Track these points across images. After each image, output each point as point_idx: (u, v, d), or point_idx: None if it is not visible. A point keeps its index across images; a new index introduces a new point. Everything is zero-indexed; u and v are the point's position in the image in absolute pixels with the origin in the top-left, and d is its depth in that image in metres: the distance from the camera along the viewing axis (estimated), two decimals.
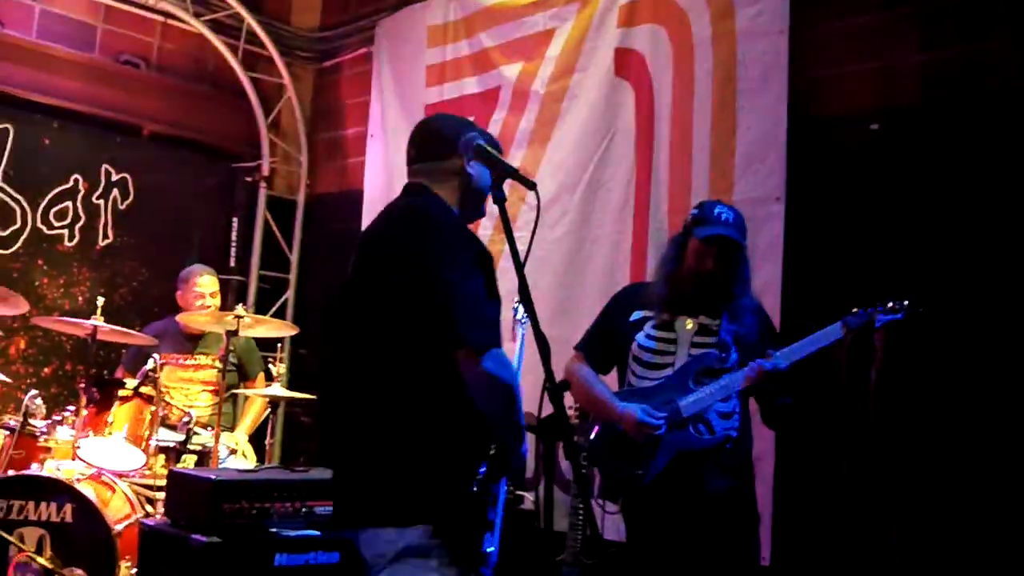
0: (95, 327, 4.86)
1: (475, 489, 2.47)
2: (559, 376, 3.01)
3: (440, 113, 2.94)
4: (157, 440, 4.79)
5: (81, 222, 6.64)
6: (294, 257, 7.58)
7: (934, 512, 4.04)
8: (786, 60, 4.74)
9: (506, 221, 2.52)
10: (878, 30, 4.56)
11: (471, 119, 2.98)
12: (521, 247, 2.48)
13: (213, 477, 3.53)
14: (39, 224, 6.44)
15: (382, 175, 6.91)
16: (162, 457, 4.85)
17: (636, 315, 3.60)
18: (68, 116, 6.62)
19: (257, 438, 5.65)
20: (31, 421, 4.77)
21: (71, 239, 6.59)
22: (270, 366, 5.43)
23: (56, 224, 6.53)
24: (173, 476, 3.84)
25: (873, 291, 4.27)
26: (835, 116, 4.66)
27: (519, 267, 2.45)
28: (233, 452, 5.27)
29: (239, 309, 4.93)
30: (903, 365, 4.09)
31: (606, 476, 3.66)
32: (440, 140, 2.74)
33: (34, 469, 4.51)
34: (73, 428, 4.68)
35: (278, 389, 5.12)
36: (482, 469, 2.50)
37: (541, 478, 5.00)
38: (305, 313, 7.35)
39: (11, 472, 4.47)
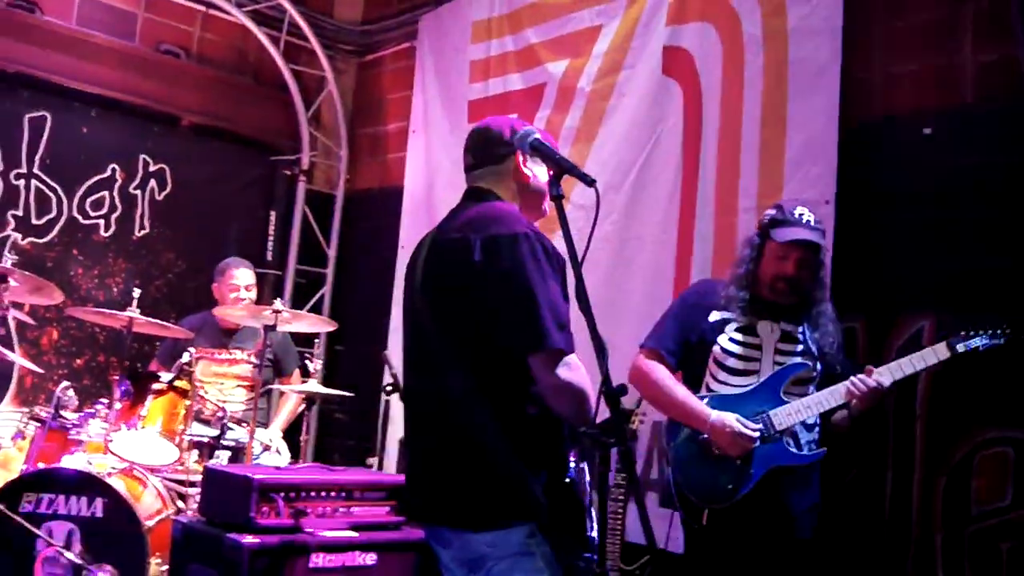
0: (131, 319, 4.80)
1: (569, 478, 2.52)
2: (623, 377, 2.93)
3: (491, 117, 2.90)
4: (191, 435, 4.74)
5: (117, 212, 6.59)
6: (332, 252, 7.51)
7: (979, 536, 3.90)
8: (839, 60, 4.60)
9: (563, 219, 2.46)
10: (934, 29, 4.41)
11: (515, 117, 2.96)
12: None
13: (251, 475, 3.44)
14: (75, 213, 6.40)
15: (423, 171, 6.82)
16: (195, 452, 4.80)
17: (715, 316, 3.46)
18: (106, 105, 6.57)
19: (291, 435, 5.58)
20: (63, 413, 4.72)
21: (107, 229, 6.55)
22: (306, 362, 5.36)
23: (92, 214, 6.49)
24: (209, 473, 3.76)
25: (923, 297, 4.17)
26: (888, 118, 4.53)
27: (576, 266, 2.39)
28: (267, 448, 5.20)
29: (276, 304, 4.85)
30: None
31: (688, 487, 3.43)
32: (495, 143, 2.75)
33: (65, 462, 4.46)
34: (106, 421, 4.61)
35: (314, 385, 5.06)
36: (571, 456, 2.56)
37: (591, 485, 4.85)
38: (342, 309, 7.27)
39: (41, 465, 4.42)
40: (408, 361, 2.74)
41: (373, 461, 6.09)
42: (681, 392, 3.41)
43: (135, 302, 4.86)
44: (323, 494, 3.58)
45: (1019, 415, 3.85)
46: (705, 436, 3.31)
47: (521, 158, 2.70)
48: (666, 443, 3.52)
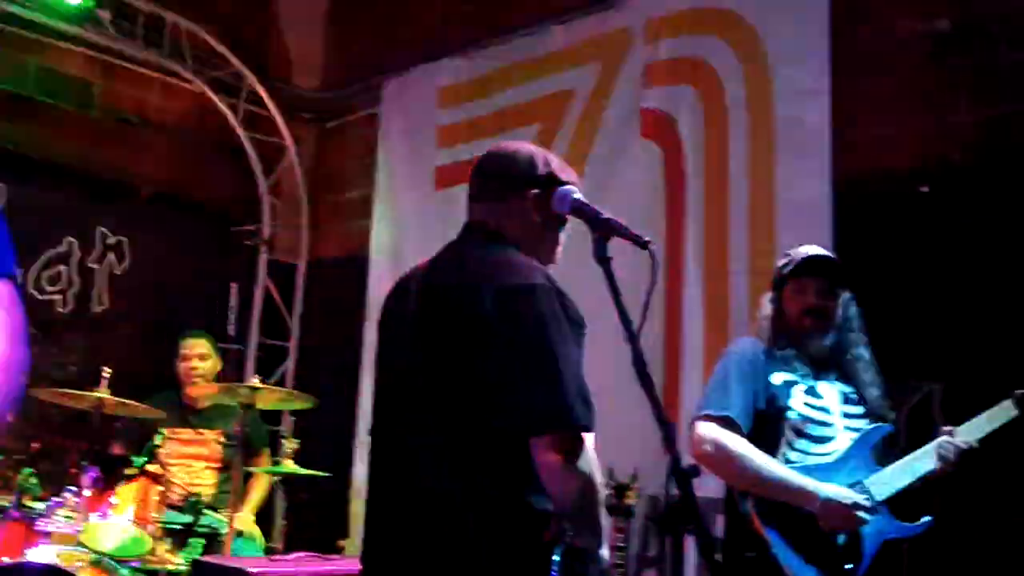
0: (101, 400, 4.54)
1: None
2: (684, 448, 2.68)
3: (511, 143, 2.56)
4: (163, 522, 4.47)
5: (75, 287, 6.32)
6: (295, 324, 7.28)
7: None
8: (828, 120, 4.58)
9: (613, 284, 2.17)
10: (926, 88, 4.42)
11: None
12: None
13: (249, 569, 3.20)
14: (31, 289, 6.11)
15: (389, 239, 6.67)
16: (168, 540, 4.52)
17: (779, 378, 3.18)
18: (63, 175, 6.32)
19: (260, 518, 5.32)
20: (26, 503, 4.42)
21: (65, 305, 6.27)
22: (282, 440, 5.12)
23: (49, 289, 6.21)
24: (199, 566, 3.51)
25: (926, 357, 4.09)
26: (882, 177, 4.49)
27: (633, 337, 2.10)
28: (240, 534, 4.93)
29: (255, 380, 4.63)
30: None
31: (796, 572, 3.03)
32: (517, 175, 2.41)
33: (30, 556, 4.14)
34: (74, 510, 4.32)
35: (290, 466, 4.81)
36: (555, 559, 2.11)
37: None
38: (306, 383, 7.02)
39: (5, 559, 4.11)
40: (380, 422, 2.39)
41: (344, 543, 5.84)
42: (775, 464, 3.06)
43: (104, 382, 4.60)
44: None
45: None
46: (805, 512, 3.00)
47: (545, 198, 2.36)
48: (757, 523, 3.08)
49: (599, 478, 2.15)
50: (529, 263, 2.27)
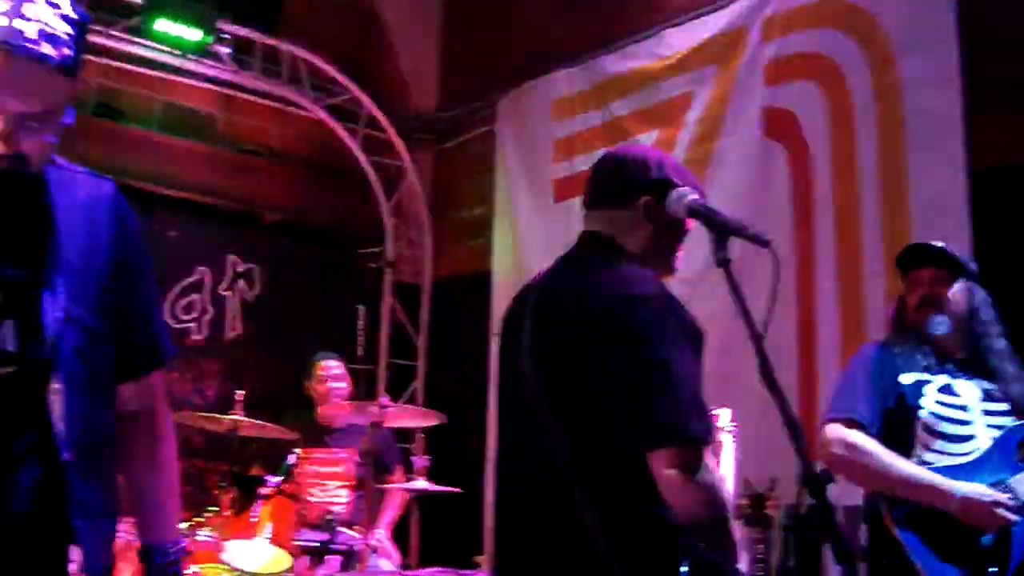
0: (236, 422, 4.65)
1: None
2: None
3: (625, 146, 2.48)
4: (301, 540, 4.54)
5: (209, 315, 6.52)
6: (421, 343, 7.34)
7: None
8: (960, 110, 4.39)
9: (735, 287, 2.08)
10: None
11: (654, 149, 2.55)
12: None
13: None
14: (167, 318, 6.32)
15: (510, 254, 6.68)
16: (306, 559, 4.60)
17: (908, 378, 3.07)
18: (192, 208, 6.56)
19: (395, 534, 5.36)
20: None
21: (199, 332, 6.47)
22: (412, 458, 5.15)
23: (183, 317, 6.41)
24: None
25: None
26: (1021, 166, 4.28)
27: (758, 343, 2.00)
28: (374, 551, 4.97)
29: (383, 399, 4.67)
30: None
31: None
32: (630, 180, 2.32)
33: None
34: (215, 530, 4.43)
35: (422, 483, 4.83)
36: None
37: None
38: (435, 401, 7.07)
39: None
40: (505, 436, 2.37)
41: (481, 559, 5.83)
42: (906, 463, 2.94)
43: (238, 405, 4.71)
44: None
45: None
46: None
47: (659, 203, 2.25)
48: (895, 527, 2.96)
49: (725, 490, 2.08)
50: (641, 273, 2.20)
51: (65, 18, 1.66)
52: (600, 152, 5.97)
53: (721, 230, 2.13)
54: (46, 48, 1.61)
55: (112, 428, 1.87)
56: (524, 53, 6.84)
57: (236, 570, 4.30)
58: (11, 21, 1.59)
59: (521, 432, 2.28)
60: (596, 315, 2.12)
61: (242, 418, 4.66)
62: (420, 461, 4.96)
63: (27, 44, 1.60)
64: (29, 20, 1.60)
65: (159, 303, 2.15)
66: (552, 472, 2.16)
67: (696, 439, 2.02)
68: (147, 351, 1.97)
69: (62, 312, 1.70)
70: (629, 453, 2.06)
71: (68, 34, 1.65)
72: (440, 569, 3.99)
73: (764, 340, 2.05)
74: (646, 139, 5.77)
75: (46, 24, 1.62)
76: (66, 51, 1.65)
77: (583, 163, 6.21)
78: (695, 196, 2.25)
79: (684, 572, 2.03)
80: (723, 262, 2.10)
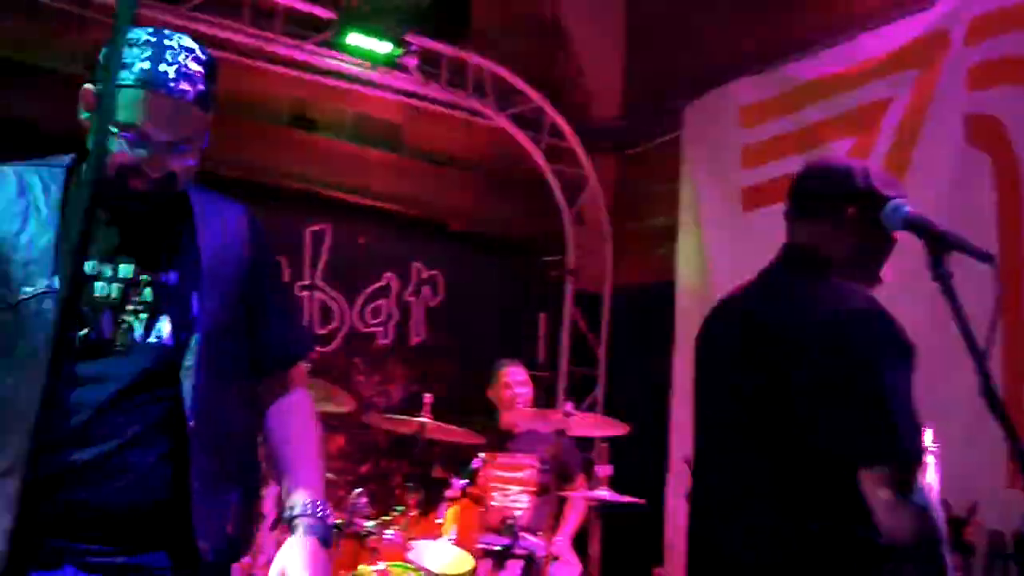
0: (423, 424, 4.75)
1: None
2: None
3: (824, 157, 2.46)
4: (484, 543, 4.60)
5: (395, 320, 6.69)
6: (602, 352, 7.33)
7: None
8: None
9: (956, 304, 2.01)
10: None
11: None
12: None
13: None
14: (356, 322, 6.52)
15: (696, 263, 6.58)
16: (488, 563, 4.65)
17: None
18: (379, 215, 6.74)
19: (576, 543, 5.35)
20: (357, 520, 4.67)
21: (386, 336, 6.65)
22: (595, 467, 5.15)
23: (371, 322, 6.61)
24: None
25: None
26: None
27: (981, 362, 1.95)
28: (556, 558, 4.99)
29: (568, 407, 4.69)
30: None
31: None
32: (835, 191, 2.29)
33: (360, 571, 4.37)
34: (400, 529, 4.53)
35: (604, 492, 4.82)
36: None
37: None
38: (615, 410, 7.04)
39: (341, 573, 4.35)
40: (704, 453, 2.36)
41: (660, 571, 5.77)
42: None
43: (426, 408, 4.81)
44: None
45: None
46: None
47: (865, 213, 2.23)
48: None
49: (937, 514, 2.02)
50: (853, 288, 2.18)
51: (197, 60, 1.92)
52: (792, 159, 5.91)
53: (940, 243, 2.08)
54: (184, 86, 1.88)
55: (242, 414, 2.07)
56: (708, 60, 6.75)
57: (422, 569, 4.38)
58: (155, 65, 1.86)
59: (722, 450, 2.27)
60: (808, 333, 2.10)
61: (429, 421, 4.75)
62: (603, 470, 4.95)
63: (169, 84, 1.86)
64: (169, 64, 1.87)
65: (294, 305, 2.32)
66: (754, 490, 2.12)
67: (912, 460, 1.98)
68: (282, 348, 2.17)
69: (204, 308, 1.95)
70: (839, 473, 2.02)
71: (200, 73, 1.91)
72: None
73: (987, 358, 1.98)
74: (839, 147, 5.58)
75: (183, 66, 1.88)
76: (200, 87, 1.91)
77: (772, 171, 6.05)
78: (910, 208, 2.19)
79: None
80: (941, 276, 2.05)
